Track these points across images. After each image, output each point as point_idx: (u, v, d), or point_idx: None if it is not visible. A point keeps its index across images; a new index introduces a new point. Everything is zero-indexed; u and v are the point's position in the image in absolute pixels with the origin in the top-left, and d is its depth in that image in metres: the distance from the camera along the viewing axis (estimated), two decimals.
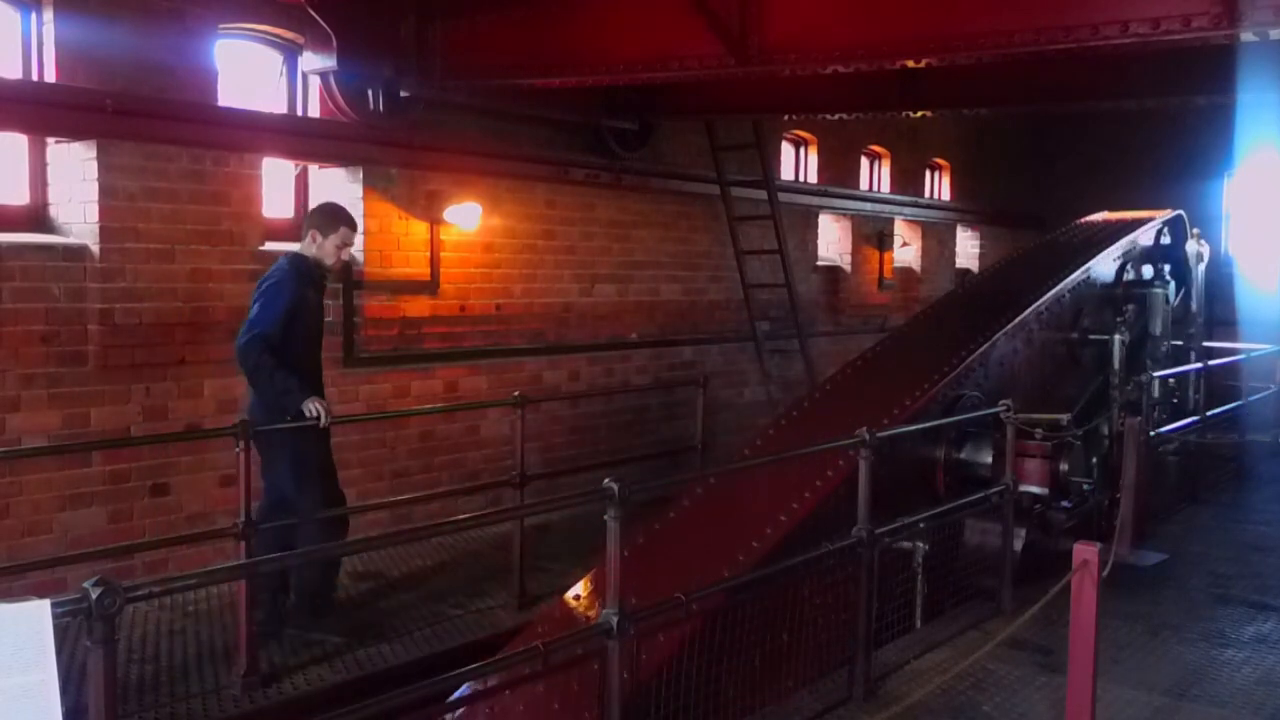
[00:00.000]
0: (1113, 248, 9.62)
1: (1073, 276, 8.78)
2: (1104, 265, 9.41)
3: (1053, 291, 8.47)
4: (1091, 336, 8.78)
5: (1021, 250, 11.06)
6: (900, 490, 6.06)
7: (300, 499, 6.11)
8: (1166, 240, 10.85)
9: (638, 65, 7.57)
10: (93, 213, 6.90)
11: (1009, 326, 7.76)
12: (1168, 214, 11.21)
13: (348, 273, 8.38)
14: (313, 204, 8.58)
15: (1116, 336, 8.50)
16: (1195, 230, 11.35)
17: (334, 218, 6.43)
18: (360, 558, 7.87)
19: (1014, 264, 10.08)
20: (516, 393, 7.41)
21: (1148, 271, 9.90)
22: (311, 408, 5.97)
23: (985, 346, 7.43)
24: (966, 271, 17.31)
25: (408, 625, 6.64)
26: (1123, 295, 9.47)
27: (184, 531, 6.92)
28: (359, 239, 8.48)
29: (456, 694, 4.28)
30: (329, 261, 6.41)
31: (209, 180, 7.40)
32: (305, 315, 6.20)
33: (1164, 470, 8.95)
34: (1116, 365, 8.46)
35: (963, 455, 6.80)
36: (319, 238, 6.34)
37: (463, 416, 9.10)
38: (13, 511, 6.60)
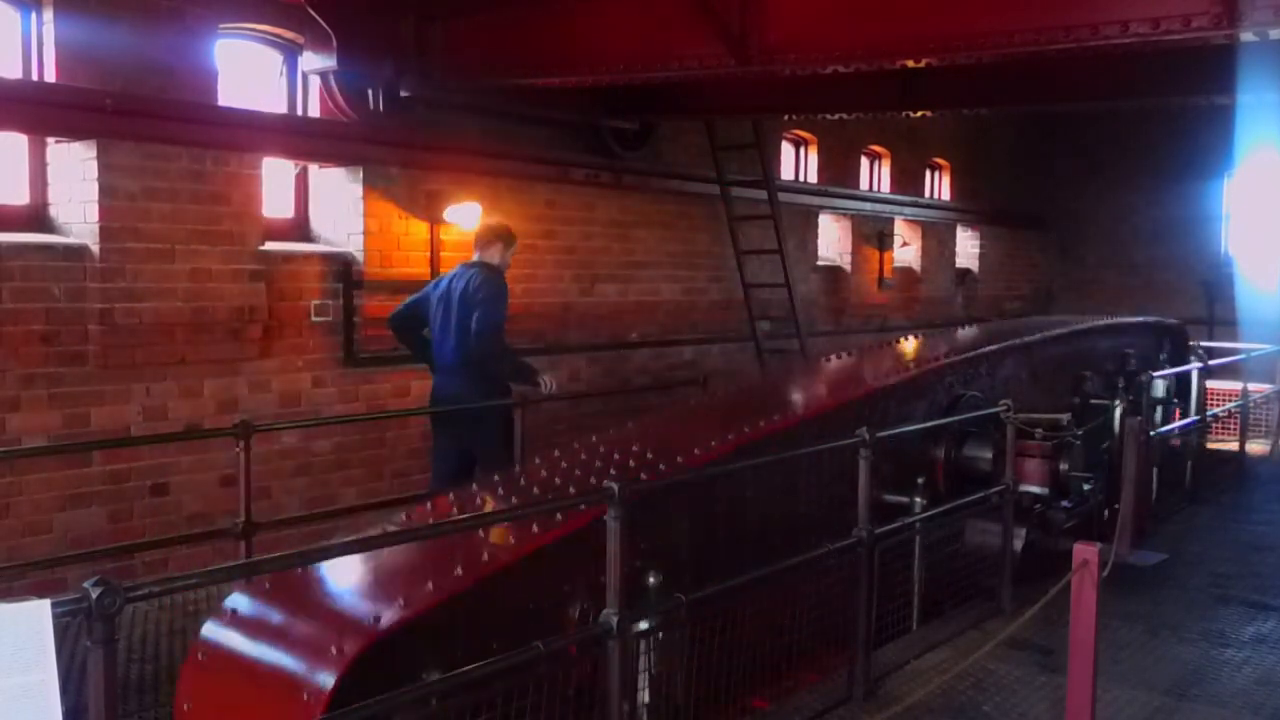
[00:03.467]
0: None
1: None
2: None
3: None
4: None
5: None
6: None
7: (506, 462, 6.75)
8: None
9: (638, 65, 7.56)
10: (93, 213, 6.90)
11: None
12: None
13: (348, 272, 8.38)
14: (314, 203, 8.62)
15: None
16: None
17: (506, 233, 7.65)
18: None
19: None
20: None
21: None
22: (547, 379, 7.31)
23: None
24: (966, 271, 17.33)
25: None
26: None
27: (184, 531, 6.92)
28: (360, 239, 8.52)
29: None
30: (506, 268, 7.54)
31: (209, 180, 7.40)
32: None
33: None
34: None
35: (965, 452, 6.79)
36: (504, 251, 7.49)
37: None
38: (13, 511, 6.60)
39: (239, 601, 3.96)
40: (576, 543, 4.22)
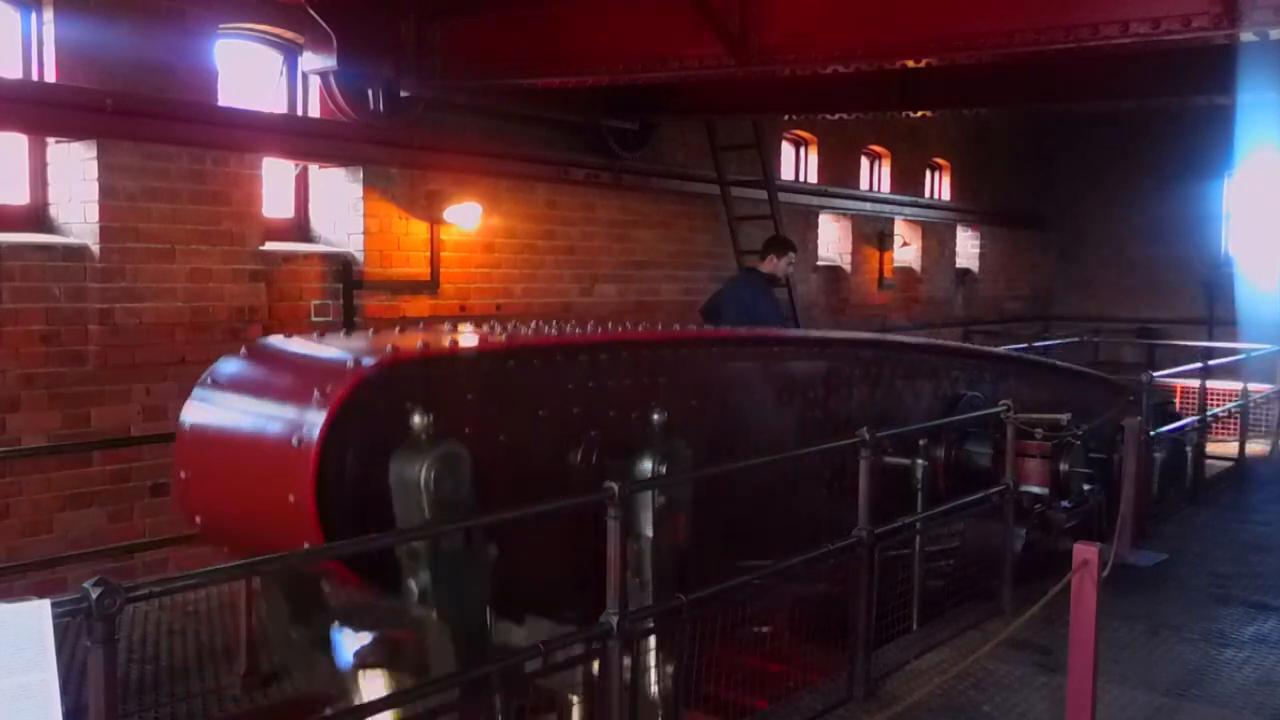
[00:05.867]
0: None
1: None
2: None
3: None
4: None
5: None
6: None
7: None
8: None
9: (638, 65, 7.56)
10: (93, 213, 6.90)
11: None
12: None
13: (348, 273, 8.39)
14: (314, 203, 8.64)
15: None
16: None
17: (782, 244, 8.81)
18: None
19: None
20: None
21: None
22: None
23: None
24: (966, 271, 17.33)
25: None
26: None
27: (184, 531, 6.91)
28: (359, 239, 8.52)
29: None
30: (779, 275, 8.78)
31: (209, 180, 7.40)
32: (777, 312, 8.56)
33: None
34: None
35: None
36: (774, 260, 8.56)
37: None
38: (13, 511, 6.60)
39: (221, 368, 3.95)
40: (575, 363, 4.49)
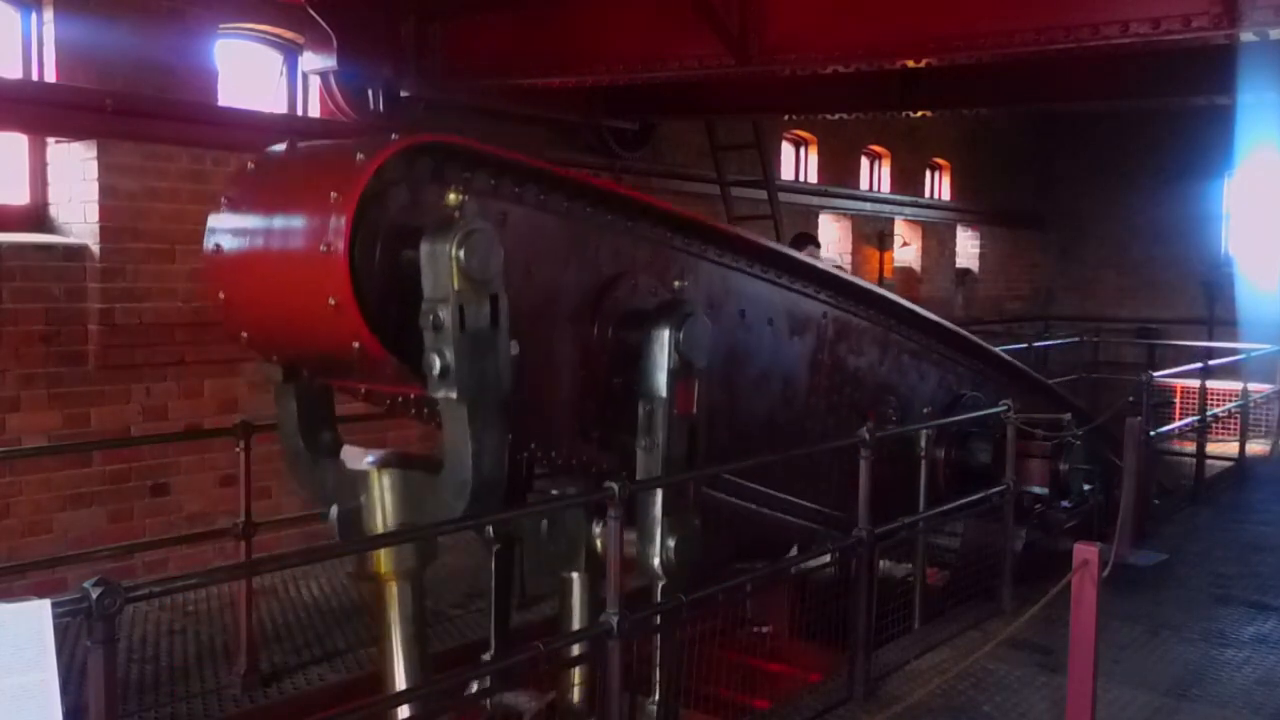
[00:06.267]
0: None
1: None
2: None
3: None
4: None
5: None
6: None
7: None
8: None
9: (638, 65, 7.56)
10: (93, 213, 6.90)
11: None
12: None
13: None
14: None
15: None
16: None
17: (804, 240, 9.18)
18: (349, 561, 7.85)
19: None
20: None
21: None
22: None
23: None
24: (966, 271, 17.33)
25: None
26: None
27: (184, 531, 6.91)
28: None
29: None
30: None
31: (209, 180, 7.39)
32: None
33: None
34: None
35: None
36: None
37: None
38: (13, 511, 6.60)
39: (237, 186, 3.90)
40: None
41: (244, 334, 3.89)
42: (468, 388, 3.45)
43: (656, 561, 4.26)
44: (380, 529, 3.80)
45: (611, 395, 4.47)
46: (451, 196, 3.44)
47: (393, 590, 3.87)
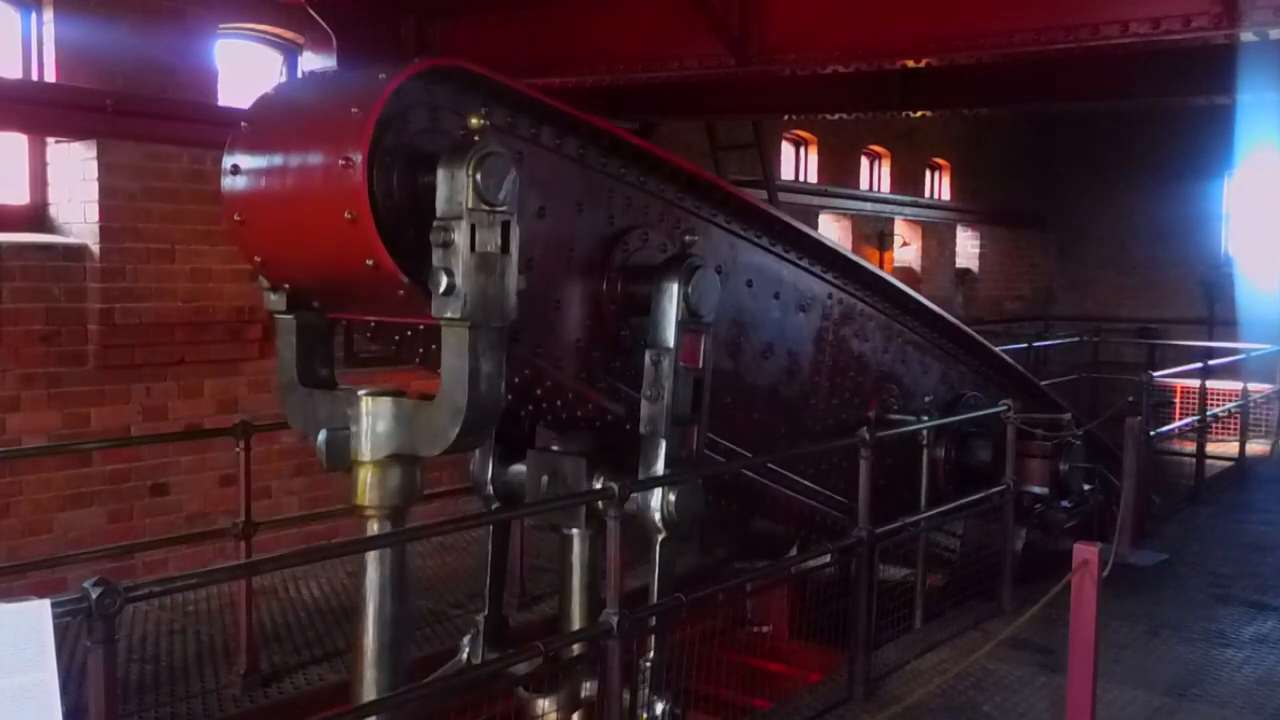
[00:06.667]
0: None
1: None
2: None
3: None
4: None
5: None
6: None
7: None
8: None
9: (638, 65, 7.56)
10: (93, 213, 6.90)
11: None
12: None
13: None
14: None
15: None
16: None
17: None
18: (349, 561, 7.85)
19: None
20: None
21: None
22: None
23: None
24: (966, 271, 17.33)
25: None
26: None
27: (184, 531, 6.91)
28: None
29: None
30: None
31: (209, 180, 7.37)
32: None
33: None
34: None
35: None
36: None
37: None
38: (13, 511, 6.60)
39: (257, 106, 3.93)
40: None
41: (258, 258, 3.91)
42: (472, 308, 3.47)
43: (658, 516, 4.27)
44: (368, 456, 3.78)
45: (620, 345, 4.49)
46: (474, 120, 3.47)
47: (373, 528, 3.89)
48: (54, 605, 2.34)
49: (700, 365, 4.38)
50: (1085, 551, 4.14)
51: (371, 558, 3.87)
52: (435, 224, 3.46)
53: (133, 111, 6.93)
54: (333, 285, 3.86)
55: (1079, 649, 4.18)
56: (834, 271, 6.16)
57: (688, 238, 4.51)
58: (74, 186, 6.97)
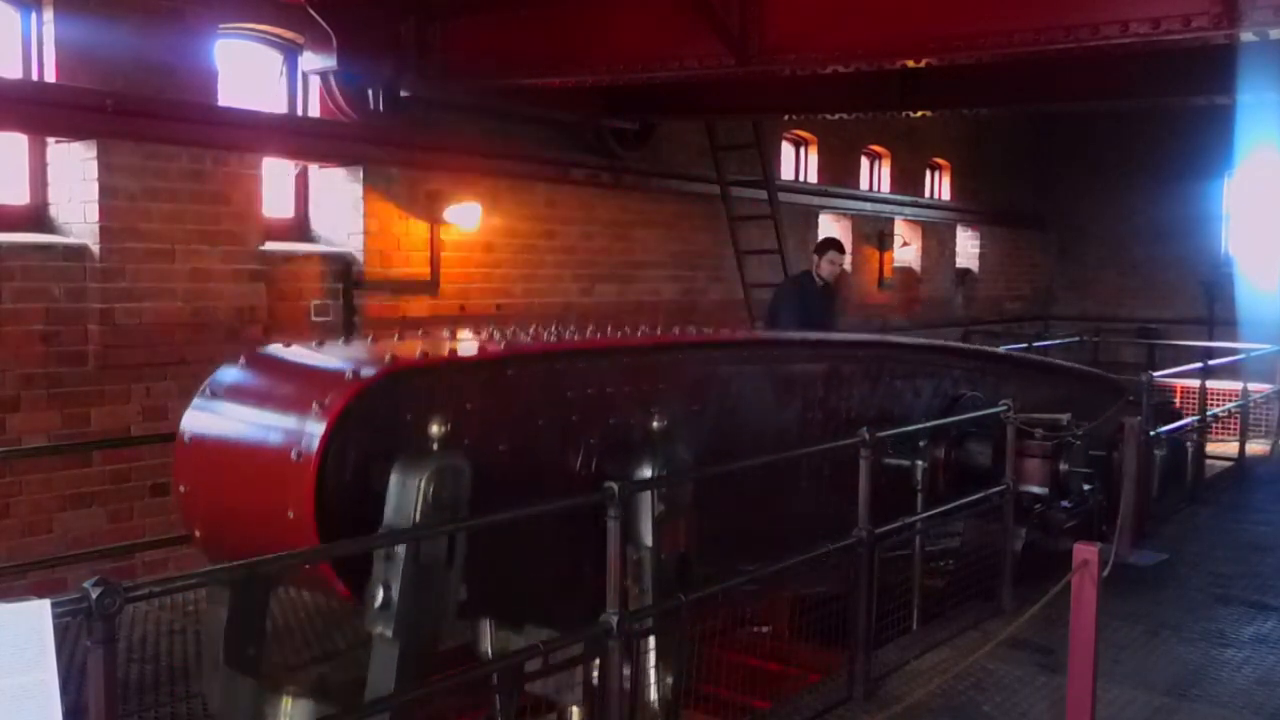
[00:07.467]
0: None
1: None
2: None
3: None
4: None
5: None
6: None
7: None
8: None
9: (638, 65, 7.57)
10: (93, 213, 6.90)
11: None
12: None
13: (348, 272, 8.39)
14: (314, 203, 8.64)
15: None
16: None
17: (822, 245, 9.24)
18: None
19: None
20: None
21: None
22: None
23: None
24: (966, 271, 17.33)
25: None
26: None
27: (184, 531, 6.90)
28: (360, 239, 8.52)
29: None
30: (824, 274, 8.94)
31: (209, 180, 7.39)
32: (810, 310, 8.81)
33: None
34: None
35: None
36: (816, 259, 9.00)
37: None
38: (13, 511, 6.60)
39: (220, 378, 3.92)
40: (575, 365, 4.42)
41: (197, 531, 3.85)
42: (404, 627, 3.34)
43: (654, 695, 4.21)
44: None
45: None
46: (434, 428, 3.42)
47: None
48: (54, 605, 2.33)
49: (681, 549, 4.32)
50: (1085, 551, 4.14)
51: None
52: (380, 531, 3.38)
53: (133, 111, 6.93)
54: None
55: (1079, 649, 4.18)
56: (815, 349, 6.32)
57: (656, 424, 4.32)
58: (74, 186, 6.97)
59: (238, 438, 3.72)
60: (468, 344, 4.49)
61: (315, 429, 3.42)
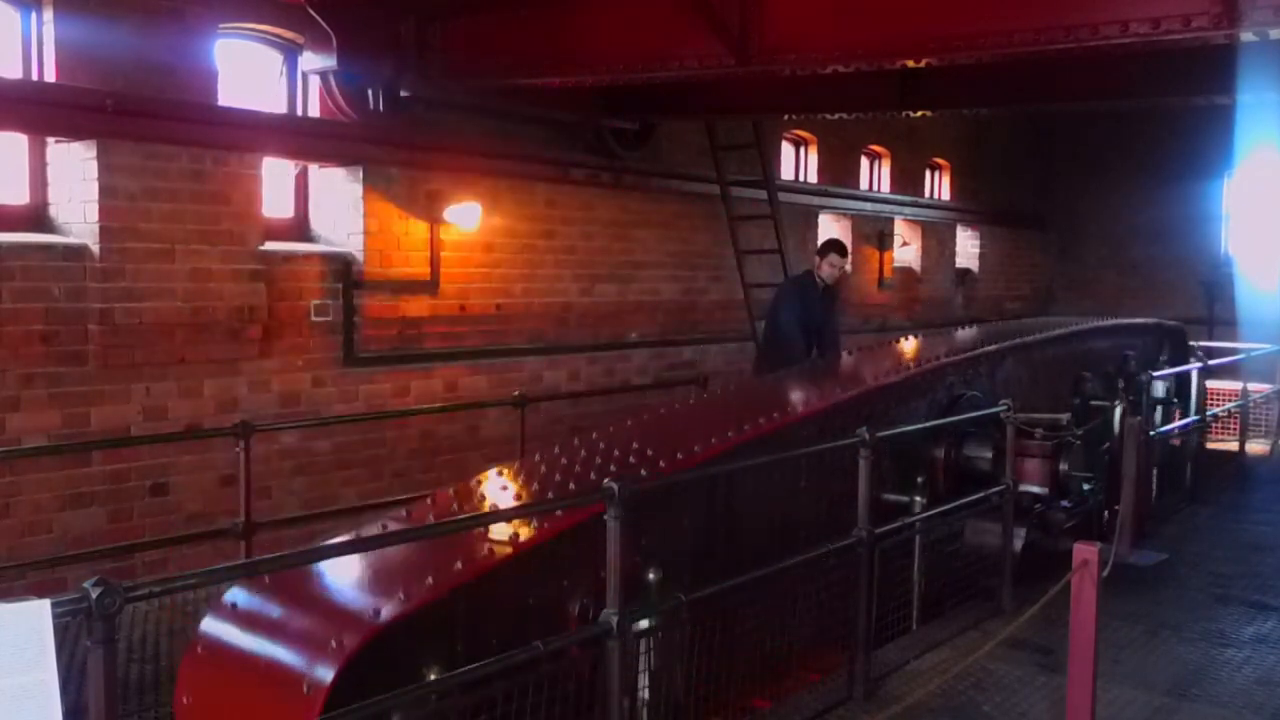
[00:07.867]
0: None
1: None
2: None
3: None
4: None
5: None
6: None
7: None
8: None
9: (638, 65, 7.57)
10: (93, 213, 6.90)
11: None
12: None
13: (348, 272, 8.39)
14: (314, 203, 8.64)
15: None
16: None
17: (824, 247, 9.29)
18: None
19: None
20: (517, 392, 7.38)
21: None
22: None
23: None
24: (966, 271, 17.33)
25: None
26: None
27: (184, 531, 6.92)
28: (359, 239, 8.52)
29: None
30: (825, 276, 9.01)
31: (209, 180, 7.39)
32: (810, 311, 8.93)
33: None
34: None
35: None
36: (818, 260, 9.09)
37: (463, 416, 9.10)
38: (13, 511, 6.60)
39: (238, 595, 3.96)
40: (576, 539, 4.22)
41: None
42: None
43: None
44: None
45: None
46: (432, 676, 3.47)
47: None
48: (54, 605, 2.33)
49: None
50: (1085, 551, 4.14)
51: None
52: None
53: (133, 111, 6.93)
54: None
55: (1079, 649, 4.18)
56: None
57: (652, 575, 4.33)
58: (74, 186, 6.97)
59: (249, 662, 3.74)
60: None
61: (325, 670, 3.45)
